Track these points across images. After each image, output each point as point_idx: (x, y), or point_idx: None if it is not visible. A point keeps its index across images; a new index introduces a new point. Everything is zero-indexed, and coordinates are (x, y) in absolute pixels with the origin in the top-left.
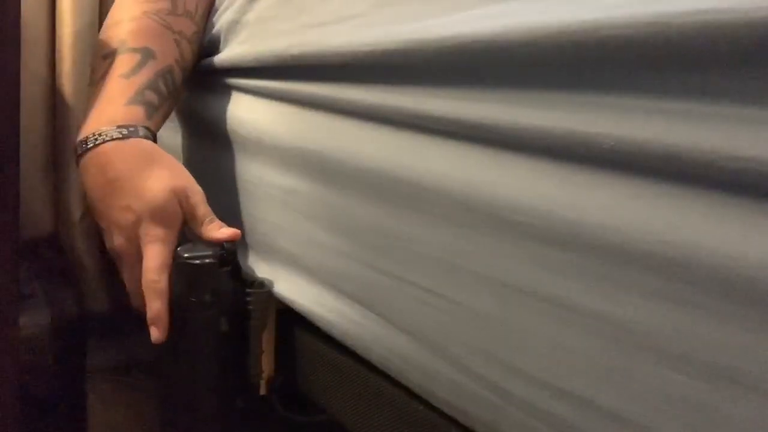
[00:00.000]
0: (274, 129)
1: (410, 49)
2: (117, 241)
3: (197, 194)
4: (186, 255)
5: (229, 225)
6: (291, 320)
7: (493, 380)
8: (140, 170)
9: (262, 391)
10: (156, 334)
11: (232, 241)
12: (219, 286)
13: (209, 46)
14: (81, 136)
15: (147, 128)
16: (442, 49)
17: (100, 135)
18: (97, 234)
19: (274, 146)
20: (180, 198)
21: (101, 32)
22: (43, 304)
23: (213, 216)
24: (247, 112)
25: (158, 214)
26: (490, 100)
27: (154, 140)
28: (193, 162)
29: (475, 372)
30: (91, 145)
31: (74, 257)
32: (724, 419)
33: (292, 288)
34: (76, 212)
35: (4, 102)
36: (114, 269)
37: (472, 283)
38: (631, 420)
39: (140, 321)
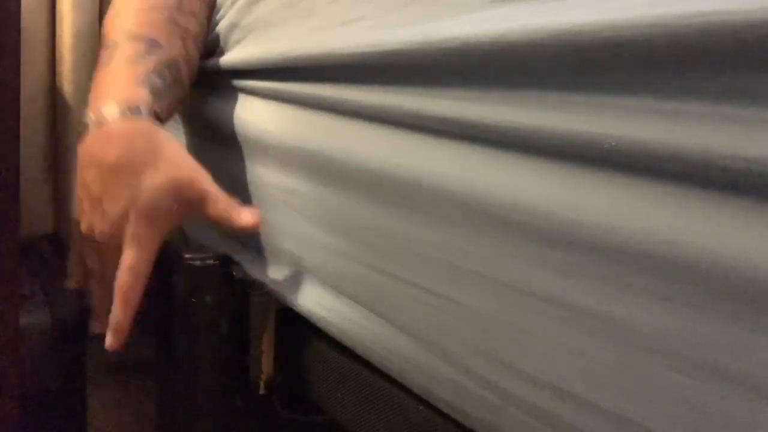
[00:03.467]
0: (275, 129)
1: (412, 51)
2: (100, 228)
3: (203, 177)
4: (187, 256)
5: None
6: (291, 320)
7: (494, 380)
8: (139, 159)
9: (262, 391)
10: (112, 342)
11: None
12: (220, 287)
13: (210, 47)
14: (88, 114)
15: (153, 110)
16: (444, 51)
17: (104, 115)
18: None
19: (275, 146)
20: (183, 189)
21: (105, 23)
22: (43, 304)
23: (226, 196)
24: (248, 112)
25: (148, 213)
26: (491, 100)
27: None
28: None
29: (475, 372)
30: (93, 125)
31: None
32: (725, 419)
33: (292, 288)
34: (76, 212)
35: (4, 102)
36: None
37: (473, 283)
38: (632, 420)
39: (140, 321)
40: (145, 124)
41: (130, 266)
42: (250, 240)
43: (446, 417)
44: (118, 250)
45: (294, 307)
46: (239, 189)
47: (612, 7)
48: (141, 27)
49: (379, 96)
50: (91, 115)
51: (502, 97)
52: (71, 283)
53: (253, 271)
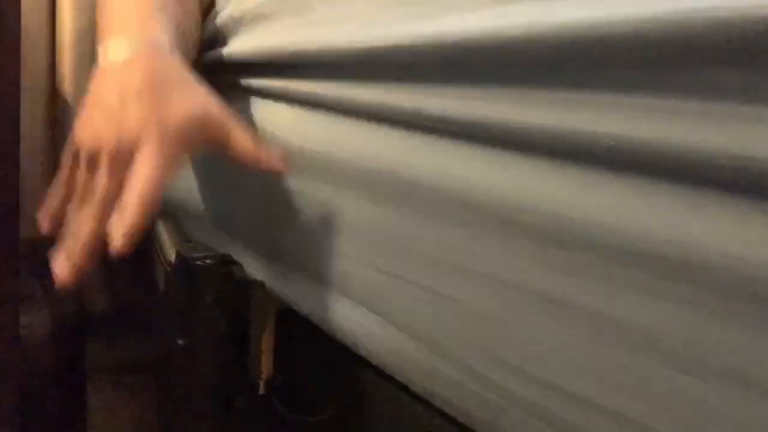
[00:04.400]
0: (274, 128)
1: (411, 48)
2: (112, 135)
3: (231, 119)
4: (188, 256)
5: (228, 224)
6: (291, 320)
7: (494, 379)
8: (168, 84)
9: (262, 391)
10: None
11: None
12: (220, 287)
13: (206, 41)
14: (104, 44)
15: (173, 45)
16: (443, 49)
17: (123, 44)
18: None
19: (275, 145)
20: (211, 121)
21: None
22: (43, 304)
23: (251, 138)
24: (246, 110)
25: (174, 135)
26: (491, 99)
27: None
28: (194, 160)
29: (476, 371)
30: (117, 54)
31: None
32: (725, 419)
33: (292, 288)
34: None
35: (4, 102)
36: (113, 268)
37: (473, 282)
38: (632, 419)
39: (140, 321)
40: (169, 56)
41: (148, 176)
42: (250, 239)
43: (446, 417)
44: (122, 165)
45: (294, 307)
46: (239, 188)
47: (612, 4)
48: None
49: (377, 94)
50: (110, 47)
51: (502, 95)
52: (40, 227)
53: (253, 271)
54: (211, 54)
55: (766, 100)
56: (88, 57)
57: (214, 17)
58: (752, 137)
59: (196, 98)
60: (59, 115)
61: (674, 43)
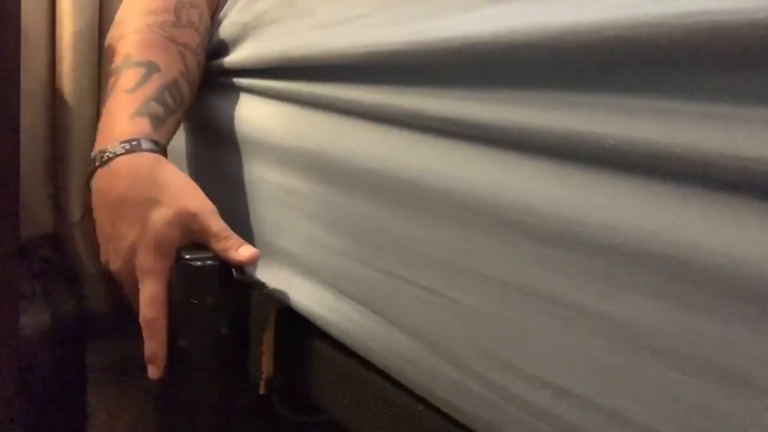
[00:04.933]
0: (275, 128)
1: (412, 50)
2: (114, 265)
3: (207, 212)
4: (188, 257)
5: (229, 225)
6: (291, 320)
7: (494, 380)
8: (143, 194)
9: (262, 391)
10: (153, 371)
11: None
12: (220, 288)
13: (212, 48)
14: (93, 153)
15: (152, 140)
16: (444, 50)
17: (105, 152)
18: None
19: (275, 146)
20: (186, 222)
21: (106, 47)
22: (43, 304)
23: (228, 232)
24: (248, 111)
25: (156, 246)
26: (491, 100)
27: (163, 151)
28: (194, 161)
29: (476, 371)
30: (98, 163)
31: (74, 257)
32: (724, 418)
33: (292, 288)
34: (76, 212)
35: (4, 102)
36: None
37: (473, 282)
38: (632, 419)
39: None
40: (147, 158)
41: (148, 298)
42: (251, 239)
43: (446, 417)
44: (134, 286)
45: (294, 307)
46: (239, 188)
47: (612, 5)
48: (140, 50)
49: (379, 95)
50: (96, 154)
51: (502, 96)
52: None
53: (253, 271)
54: (216, 62)
55: (764, 102)
56: (88, 57)
57: (219, 24)
58: (752, 138)
59: (172, 200)
60: (59, 115)
61: (674, 45)
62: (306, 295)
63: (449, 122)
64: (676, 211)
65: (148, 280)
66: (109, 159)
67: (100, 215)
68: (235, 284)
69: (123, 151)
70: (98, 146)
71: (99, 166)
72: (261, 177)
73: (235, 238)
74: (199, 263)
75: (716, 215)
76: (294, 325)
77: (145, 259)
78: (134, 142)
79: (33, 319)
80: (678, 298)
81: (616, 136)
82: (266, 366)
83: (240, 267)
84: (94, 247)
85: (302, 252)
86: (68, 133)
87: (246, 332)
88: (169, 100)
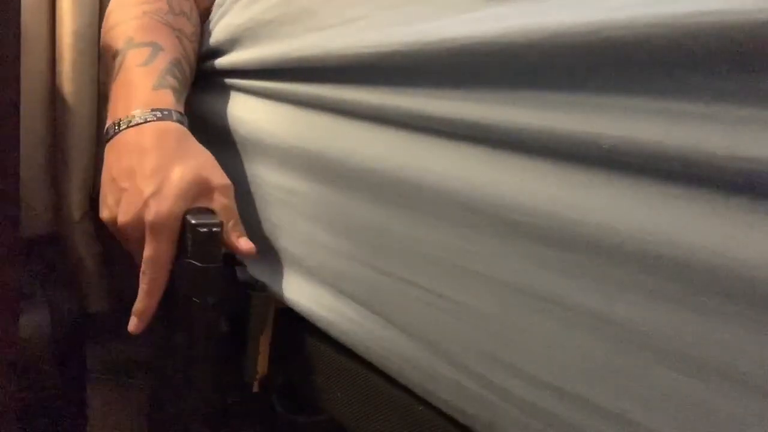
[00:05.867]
0: (275, 129)
1: (412, 51)
2: (123, 218)
3: (225, 186)
4: (193, 221)
5: None
6: (291, 320)
7: (493, 380)
8: (167, 155)
9: (255, 390)
10: (137, 325)
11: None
12: (222, 288)
13: (208, 49)
14: (111, 120)
15: (179, 112)
16: (443, 51)
17: (133, 117)
18: (97, 234)
19: (275, 146)
20: (203, 190)
21: (102, 36)
22: (43, 304)
23: (237, 216)
24: (247, 112)
25: (171, 204)
26: (491, 100)
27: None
28: None
29: (475, 372)
30: (125, 126)
31: (74, 257)
32: (724, 418)
33: (291, 288)
34: (76, 212)
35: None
36: (114, 269)
37: (473, 282)
38: (631, 419)
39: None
40: (178, 127)
41: (151, 257)
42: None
43: (446, 417)
44: (139, 242)
45: (294, 307)
46: (239, 189)
47: (612, 6)
48: (141, 33)
49: (378, 96)
50: (120, 119)
51: (502, 96)
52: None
53: (253, 271)
54: (212, 62)
55: (764, 103)
56: (88, 57)
57: (213, 26)
58: (752, 138)
59: (195, 165)
60: (59, 115)
61: (674, 45)
62: (306, 295)
63: (449, 122)
64: (675, 211)
65: (156, 237)
66: (138, 124)
67: (118, 170)
68: (237, 285)
69: (154, 118)
70: (118, 114)
71: (123, 129)
72: (261, 177)
73: (240, 225)
74: (200, 263)
75: (716, 215)
76: (294, 325)
77: (157, 216)
78: (165, 112)
79: (33, 319)
80: (678, 298)
81: (615, 137)
82: (261, 365)
83: (242, 267)
84: (95, 246)
85: (302, 252)
86: (68, 133)
87: (244, 331)
88: (180, 76)
